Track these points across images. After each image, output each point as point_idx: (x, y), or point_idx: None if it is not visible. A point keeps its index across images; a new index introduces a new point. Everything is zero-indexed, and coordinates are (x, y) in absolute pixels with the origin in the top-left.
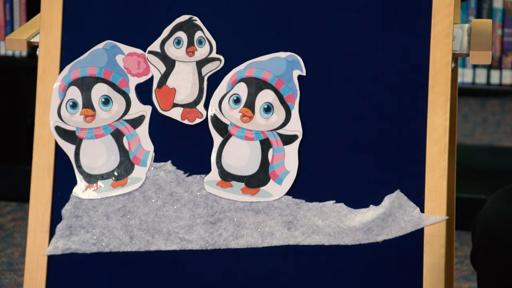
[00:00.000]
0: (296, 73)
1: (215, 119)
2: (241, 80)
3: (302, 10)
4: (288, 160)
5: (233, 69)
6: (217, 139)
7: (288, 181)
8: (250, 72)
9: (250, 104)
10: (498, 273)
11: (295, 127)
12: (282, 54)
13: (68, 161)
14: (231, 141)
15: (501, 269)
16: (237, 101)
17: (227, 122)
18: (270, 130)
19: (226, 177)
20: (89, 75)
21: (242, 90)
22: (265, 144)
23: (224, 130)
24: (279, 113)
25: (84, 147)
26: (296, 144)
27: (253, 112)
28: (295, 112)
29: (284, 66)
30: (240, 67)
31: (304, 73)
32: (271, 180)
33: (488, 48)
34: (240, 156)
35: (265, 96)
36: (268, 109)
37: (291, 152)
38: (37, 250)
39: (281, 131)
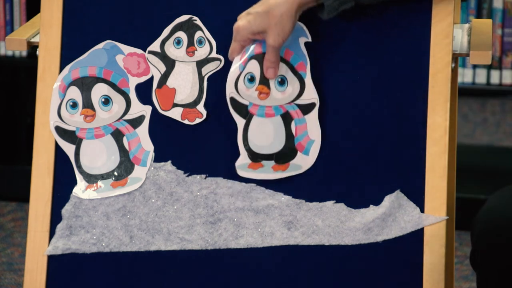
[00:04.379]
0: (302, 40)
1: (234, 102)
2: (252, 57)
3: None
4: (311, 128)
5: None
6: (240, 121)
7: (315, 150)
8: (258, 48)
9: (264, 80)
10: (497, 274)
11: (311, 95)
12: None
13: (68, 161)
14: (254, 121)
15: (500, 269)
16: (251, 79)
17: (246, 103)
18: (288, 103)
19: (256, 158)
20: (89, 75)
21: (254, 67)
22: (287, 118)
23: (245, 111)
24: (293, 84)
25: (84, 147)
26: (315, 112)
27: (269, 88)
28: (308, 80)
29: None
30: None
31: (310, 39)
32: (298, 153)
33: (488, 48)
34: (265, 134)
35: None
36: (282, 81)
37: (312, 121)
38: (37, 250)
39: (298, 101)
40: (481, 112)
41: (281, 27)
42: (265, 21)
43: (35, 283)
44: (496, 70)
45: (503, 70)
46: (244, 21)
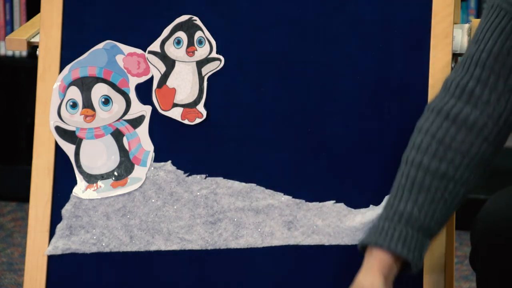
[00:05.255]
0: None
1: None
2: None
3: (302, 10)
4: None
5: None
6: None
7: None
8: (75, 74)
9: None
10: (497, 274)
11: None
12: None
13: (68, 161)
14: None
15: (500, 269)
16: (74, 105)
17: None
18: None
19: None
20: (89, 75)
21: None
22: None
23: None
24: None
25: (84, 147)
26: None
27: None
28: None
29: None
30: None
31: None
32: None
33: None
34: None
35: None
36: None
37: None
38: (37, 250)
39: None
40: None
41: None
42: None
43: (35, 283)
44: None
45: None
46: None
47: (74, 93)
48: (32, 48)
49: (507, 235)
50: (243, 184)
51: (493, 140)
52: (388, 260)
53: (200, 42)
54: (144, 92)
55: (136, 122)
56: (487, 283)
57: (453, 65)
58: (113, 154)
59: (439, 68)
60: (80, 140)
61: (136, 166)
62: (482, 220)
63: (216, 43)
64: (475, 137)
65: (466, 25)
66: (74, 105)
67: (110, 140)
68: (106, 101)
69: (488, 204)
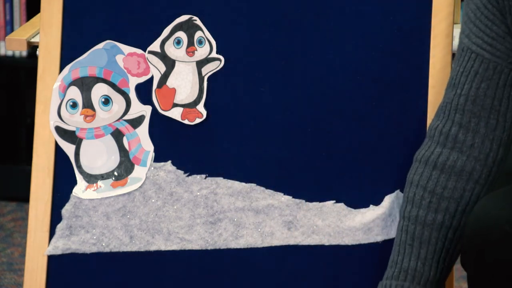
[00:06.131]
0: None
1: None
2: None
3: (303, 10)
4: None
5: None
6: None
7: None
8: (75, 74)
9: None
10: (486, 274)
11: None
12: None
13: (68, 161)
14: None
15: (489, 272)
16: (74, 105)
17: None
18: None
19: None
20: (89, 75)
21: (75, 93)
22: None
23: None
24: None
25: (84, 147)
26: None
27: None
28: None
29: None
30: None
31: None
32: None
33: None
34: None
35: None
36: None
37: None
38: (37, 250)
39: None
40: None
41: None
42: None
43: (35, 283)
44: None
45: None
46: None
47: (74, 93)
48: (32, 48)
49: (495, 238)
50: (243, 184)
51: (484, 182)
52: None
53: (200, 42)
54: (144, 92)
55: (136, 122)
56: (477, 283)
57: (453, 65)
58: (113, 154)
59: (439, 68)
60: (80, 140)
61: (136, 166)
62: (471, 223)
63: (216, 43)
64: (465, 183)
65: None
66: (74, 105)
67: (110, 140)
68: (106, 101)
69: (477, 207)
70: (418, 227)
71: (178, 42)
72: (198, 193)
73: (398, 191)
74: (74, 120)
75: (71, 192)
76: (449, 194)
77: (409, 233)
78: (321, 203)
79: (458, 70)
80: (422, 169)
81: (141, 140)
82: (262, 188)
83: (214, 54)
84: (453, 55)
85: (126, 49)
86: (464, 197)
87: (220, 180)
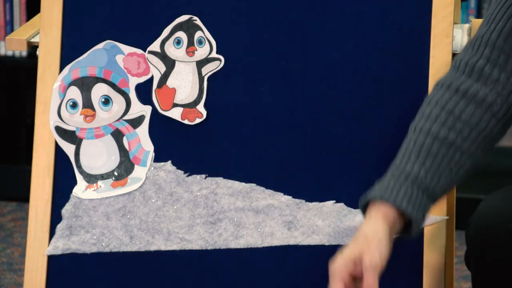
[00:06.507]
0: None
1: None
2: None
3: (303, 10)
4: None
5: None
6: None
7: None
8: (75, 74)
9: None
10: (490, 273)
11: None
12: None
13: (68, 161)
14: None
15: (493, 270)
16: (74, 105)
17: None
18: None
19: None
20: (89, 75)
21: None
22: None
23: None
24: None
25: (84, 147)
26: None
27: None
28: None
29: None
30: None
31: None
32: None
33: None
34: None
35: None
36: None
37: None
38: (37, 250)
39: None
40: None
41: (379, 249)
42: (362, 245)
43: (35, 283)
44: None
45: None
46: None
47: (74, 93)
48: (32, 48)
49: (499, 236)
50: (243, 184)
51: (501, 117)
52: (392, 214)
53: (200, 42)
54: (144, 92)
55: (136, 122)
56: (481, 282)
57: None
58: (113, 154)
59: (439, 68)
60: (80, 140)
61: (136, 166)
62: (475, 221)
63: (216, 43)
64: (484, 112)
65: (466, 25)
66: (74, 105)
67: (110, 140)
68: (106, 101)
69: (481, 205)
70: (429, 139)
71: (178, 42)
72: (198, 193)
73: None
74: (74, 120)
75: (71, 192)
76: (466, 118)
77: (417, 143)
78: (321, 203)
79: (495, 8)
80: (443, 92)
81: (141, 140)
82: (262, 188)
83: (214, 54)
84: (453, 55)
85: (126, 49)
86: (480, 125)
87: (220, 180)
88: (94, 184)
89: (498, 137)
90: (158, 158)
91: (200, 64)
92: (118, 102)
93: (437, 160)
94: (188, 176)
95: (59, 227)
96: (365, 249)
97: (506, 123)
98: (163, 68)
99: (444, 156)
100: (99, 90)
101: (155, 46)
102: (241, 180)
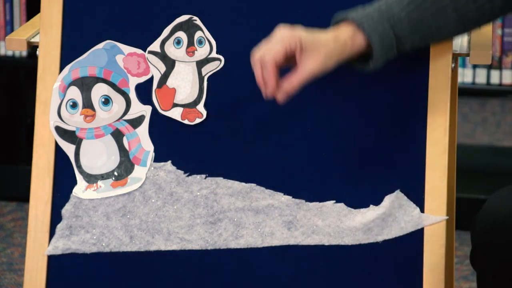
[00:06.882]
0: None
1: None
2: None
3: (303, 10)
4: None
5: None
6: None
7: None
8: (75, 74)
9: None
10: (497, 273)
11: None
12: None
13: (68, 161)
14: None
15: (499, 269)
16: (74, 105)
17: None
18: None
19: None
20: (89, 75)
21: (75, 93)
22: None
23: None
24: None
25: (84, 147)
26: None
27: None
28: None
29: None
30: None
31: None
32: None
33: (488, 48)
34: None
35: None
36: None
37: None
38: (37, 250)
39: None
40: (481, 112)
41: (326, 59)
42: (312, 45)
43: (35, 283)
44: (496, 70)
45: (503, 70)
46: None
47: (74, 93)
48: (32, 48)
49: (506, 235)
50: (243, 184)
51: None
52: (349, 32)
53: (200, 42)
54: (144, 92)
55: (136, 122)
56: (487, 283)
57: (453, 65)
58: (113, 154)
59: (439, 68)
60: (80, 140)
61: (136, 166)
62: (481, 220)
63: (216, 43)
64: None
65: None
66: (74, 105)
67: (110, 140)
68: (106, 101)
69: (488, 203)
70: None
71: (178, 42)
72: (198, 193)
73: (398, 191)
74: (74, 120)
75: (71, 192)
76: None
77: None
78: (321, 203)
79: None
80: None
81: (141, 140)
82: (262, 188)
83: (214, 54)
84: (453, 55)
85: (126, 49)
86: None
87: (220, 180)
88: (94, 184)
89: (480, 18)
90: (158, 158)
91: (200, 64)
92: (118, 102)
93: (417, 2)
94: (188, 176)
95: (59, 227)
96: (317, 53)
97: (500, 10)
98: (163, 68)
99: (427, 9)
100: (99, 90)
101: (155, 46)
102: (241, 180)
